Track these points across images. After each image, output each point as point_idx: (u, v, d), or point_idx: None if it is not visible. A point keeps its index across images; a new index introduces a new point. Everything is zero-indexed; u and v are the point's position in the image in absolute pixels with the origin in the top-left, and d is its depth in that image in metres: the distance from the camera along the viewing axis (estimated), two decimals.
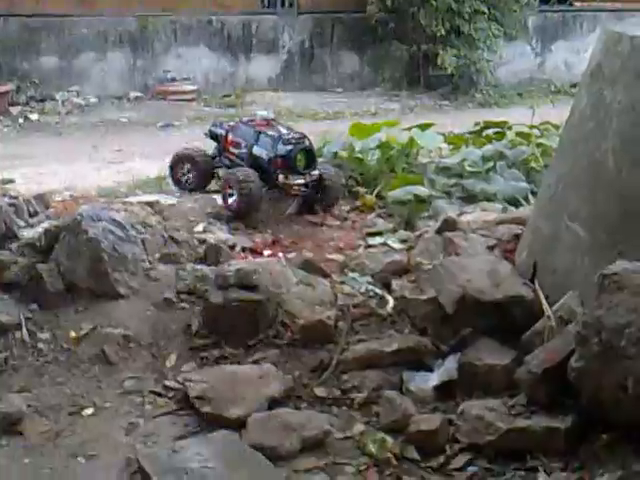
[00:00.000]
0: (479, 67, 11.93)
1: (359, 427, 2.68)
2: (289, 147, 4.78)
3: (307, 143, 4.85)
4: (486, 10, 11.73)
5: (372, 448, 2.54)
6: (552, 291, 3.07)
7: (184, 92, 11.23)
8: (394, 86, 11.94)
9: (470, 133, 6.10)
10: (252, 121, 5.19)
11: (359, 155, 5.53)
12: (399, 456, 2.54)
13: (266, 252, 4.10)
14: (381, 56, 12.11)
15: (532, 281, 3.17)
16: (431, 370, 2.91)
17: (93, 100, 10.85)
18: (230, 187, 4.69)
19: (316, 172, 4.83)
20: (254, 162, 4.90)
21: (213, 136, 5.32)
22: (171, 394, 2.91)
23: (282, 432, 2.56)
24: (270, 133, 4.91)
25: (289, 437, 2.55)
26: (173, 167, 5.32)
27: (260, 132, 4.95)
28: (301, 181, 4.80)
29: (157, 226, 3.99)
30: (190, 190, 5.16)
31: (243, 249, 4.05)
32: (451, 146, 5.96)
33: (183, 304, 3.41)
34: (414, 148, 5.65)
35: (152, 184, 5.65)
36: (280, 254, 4.02)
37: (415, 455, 2.55)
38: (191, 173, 5.22)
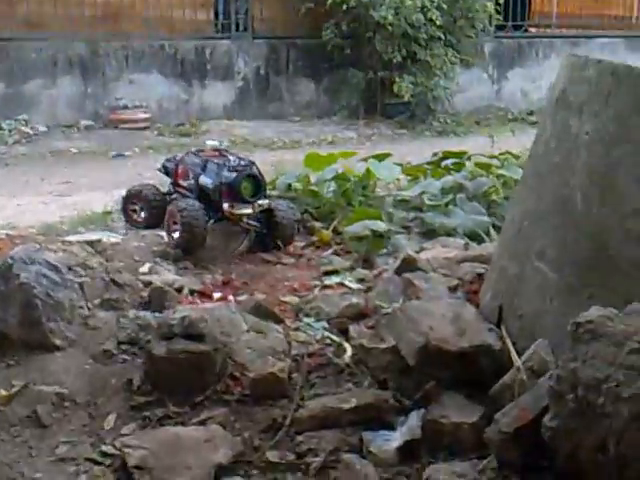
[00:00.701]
0: (436, 94, 11.86)
1: None
2: (234, 174, 4.53)
3: (254, 170, 4.61)
4: (442, 36, 11.68)
5: None
6: (520, 337, 2.87)
7: (137, 120, 10.99)
8: (351, 114, 11.81)
9: (428, 164, 5.93)
10: (202, 151, 4.99)
11: (314, 187, 5.34)
12: None
13: (216, 295, 3.85)
14: (338, 84, 11.98)
15: (498, 326, 2.96)
16: (393, 428, 2.67)
17: (42, 129, 10.55)
18: (174, 220, 4.44)
19: (265, 202, 4.59)
20: (201, 193, 4.68)
21: (166, 171, 5.10)
22: (109, 461, 2.62)
23: None
24: (216, 161, 4.68)
25: None
26: (125, 205, 5.09)
27: (207, 161, 4.72)
28: (248, 211, 4.55)
29: (98, 268, 3.72)
30: (144, 228, 4.92)
31: (191, 292, 3.80)
32: (409, 177, 5.79)
33: (124, 356, 3.14)
34: (371, 180, 5.47)
35: (98, 220, 5.38)
36: (231, 297, 3.77)
37: None
38: (143, 211, 4.98)
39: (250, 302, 3.61)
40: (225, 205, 4.54)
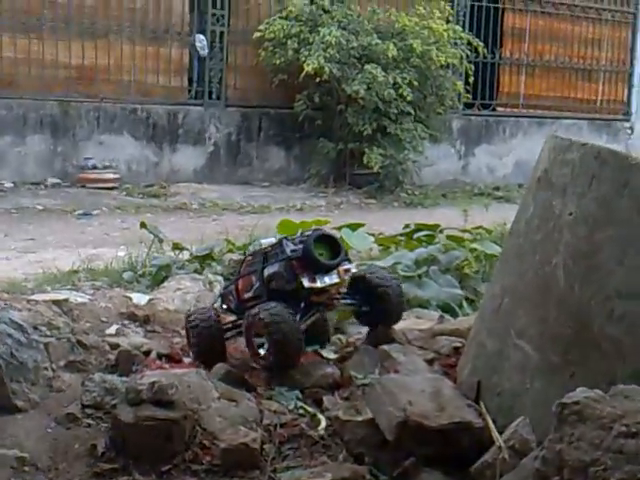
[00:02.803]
0: (405, 167, 12.00)
1: None
2: (301, 245, 3.47)
3: (323, 231, 3.62)
4: (412, 111, 11.86)
5: None
6: (498, 414, 2.82)
7: (105, 180, 10.94)
8: (320, 182, 11.89)
9: (401, 235, 5.93)
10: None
11: None
12: None
13: (186, 359, 3.74)
14: (308, 152, 12.09)
15: (476, 402, 2.91)
16: None
17: (8, 185, 10.44)
18: (256, 334, 3.40)
19: (351, 266, 3.53)
20: (271, 290, 3.52)
21: (228, 307, 3.79)
22: None
23: None
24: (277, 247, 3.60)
25: None
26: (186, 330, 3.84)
27: (266, 252, 3.60)
28: (335, 280, 3.44)
29: (64, 328, 3.63)
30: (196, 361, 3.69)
31: (159, 356, 3.69)
32: (381, 247, 5.78)
33: (89, 420, 3.01)
34: None
35: (64, 279, 5.25)
36: None
37: None
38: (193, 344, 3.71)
39: (221, 369, 3.51)
40: (304, 281, 3.40)
